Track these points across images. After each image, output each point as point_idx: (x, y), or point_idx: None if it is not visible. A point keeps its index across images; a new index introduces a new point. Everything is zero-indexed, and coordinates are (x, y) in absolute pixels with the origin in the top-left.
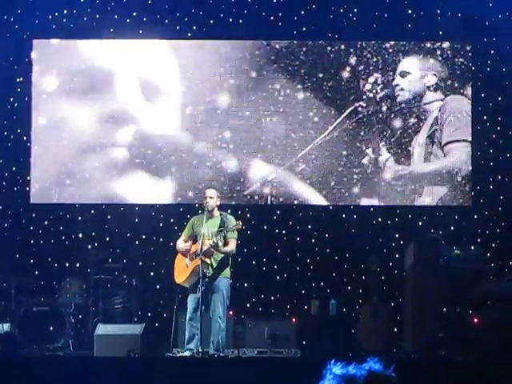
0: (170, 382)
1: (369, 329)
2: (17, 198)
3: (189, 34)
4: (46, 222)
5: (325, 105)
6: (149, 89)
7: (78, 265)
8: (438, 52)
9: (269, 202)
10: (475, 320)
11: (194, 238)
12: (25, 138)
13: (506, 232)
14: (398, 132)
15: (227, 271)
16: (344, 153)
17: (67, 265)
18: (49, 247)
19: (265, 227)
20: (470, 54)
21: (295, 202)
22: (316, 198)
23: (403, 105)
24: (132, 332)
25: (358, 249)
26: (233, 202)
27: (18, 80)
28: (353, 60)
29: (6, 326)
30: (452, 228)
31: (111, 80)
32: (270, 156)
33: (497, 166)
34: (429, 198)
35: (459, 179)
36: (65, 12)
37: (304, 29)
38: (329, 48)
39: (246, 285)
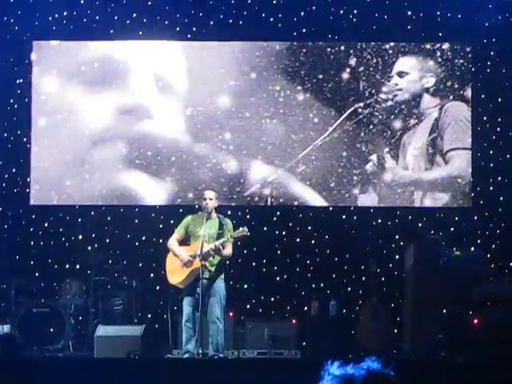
0: None
1: (369, 330)
2: (17, 200)
3: (189, 36)
4: (45, 224)
5: (325, 106)
6: (148, 90)
7: (78, 266)
8: (438, 53)
9: (269, 203)
10: (475, 321)
11: (187, 238)
12: (25, 140)
13: (505, 233)
14: (398, 133)
15: (223, 273)
16: (344, 154)
17: (67, 266)
18: (49, 248)
19: (265, 228)
20: (469, 56)
21: (295, 203)
22: (316, 199)
23: (403, 105)
24: (132, 333)
25: (357, 250)
26: (233, 204)
27: (17, 81)
28: (353, 61)
29: (6, 328)
30: (452, 229)
31: (111, 82)
32: (270, 157)
33: (497, 167)
34: (429, 200)
35: (460, 186)
36: (65, 13)
37: (304, 30)
38: (329, 49)
39: (246, 286)
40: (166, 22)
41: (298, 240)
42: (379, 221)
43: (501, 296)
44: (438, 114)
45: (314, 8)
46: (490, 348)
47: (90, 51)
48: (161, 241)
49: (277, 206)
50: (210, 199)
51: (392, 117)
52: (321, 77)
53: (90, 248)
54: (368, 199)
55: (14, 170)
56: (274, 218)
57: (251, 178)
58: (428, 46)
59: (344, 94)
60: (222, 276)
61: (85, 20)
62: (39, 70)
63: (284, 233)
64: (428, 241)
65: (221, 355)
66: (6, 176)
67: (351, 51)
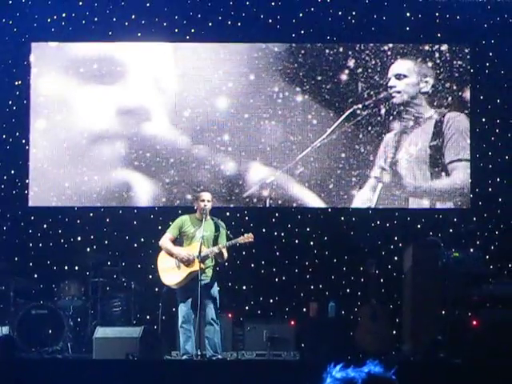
0: None
1: (368, 331)
2: (15, 201)
3: (187, 37)
4: (44, 225)
5: (323, 107)
6: (147, 92)
7: (76, 268)
8: (437, 55)
9: (267, 204)
10: (474, 322)
11: (181, 238)
12: (23, 142)
13: (504, 234)
14: (397, 135)
15: (215, 275)
16: (343, 155)
17: (66, 268)
18: (47, 250)
19: (263, 230)
20: (468, 57)
21: (294, 205)
22: (315, 201)
23: (401, 107)
24: (131, 335)
25: (356, 251)
26: (231, 205)
27: (16, 83)
28: (351, 63)
29: (5, 329)
30: (451, 230)
31: (109, 83)
32: (269, 159)
33: (495, 168)
34: (427, 201)
35: (461, 197)
36: (63, 15)
37: (302, 31)
38: (327, 51)
39: (244, 287)
40: (165, 24)
41: (296, 241)
42: (378, 222)
43: (500, 297)
44: (436, 121)
45: (312, 9)
46: (489, 349)
47: (89, 53)
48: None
49: (275, 208)
50: (208, 201)
51: (391, 118)
52: (319, 78)
53: (88, 249)
54: (366, 200)
55: (12, 172)
56: (273, 220)
57: (250, 180)
58: (426, 48)
59: (343, 95)
60: (215, 277)
61: (83, 21)
62: (38, 72)
63: (282, 234)
64: (427, 242)
65: (219, 356)
66: (5, 178)
67: (350, 53)
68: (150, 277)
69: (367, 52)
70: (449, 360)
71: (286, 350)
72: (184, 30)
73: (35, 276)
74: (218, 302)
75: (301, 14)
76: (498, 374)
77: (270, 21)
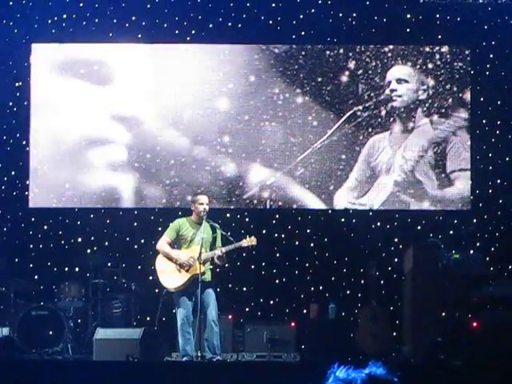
0: None
1: (368, 333)
2: (16, 203)
3: (188, 38)
4: (44, 227)
5: (324, 109)
6: (148, 92)
7: (77, 269)
8: (437, 56)
9: (268, 206)
10: (474, 324)
11: (178, 242)
12: (24, 143)
13: (504, 236)
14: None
15: (214, 277)
16: (343, 157)
17: (66, 269)
18: (48, 251)
19: (264, 231)
20: (468, 58)
21: (294, 206)
22: (315, 202)
23: (402, 109)
24: (131, 336)
25: (357, 253)
26: (232, 207)
27: (17, 84)
28: (352, 64)
29: (5, 330)
30: (451, 232)
31: (110, 84)
32: (269, 160)
33: (496, 169)
34: (428, 202)
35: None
36: (64, 16)
37: (303, 33)
38: (328, 52)
39: (244, 289)
40: (165, 25)
41: (296, 243)
42: (378, 224)
43: (500, 299)
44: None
45: (312, 11)
46: (490, 351)
47: (89, 54)
48: None
49: (276, 209)
50: (207, 204)
51: (391, 120)
52: (320, 80)
53: (89, 251)
54: (366, 202)
55: (13, 173)
56: (273, 221)
57: (250, 181)
58: (427, 49)
59: (343, 96)
60: (215, 280)
61: (84, 23)
62: (38, 73)
63: (283, 236)
64: (427, 244)
65: (219, 358)
66: (5, 179)
67: (350, 54)
68: (151, 278)
69: (368, 53)
70: (449, 362)
71: (286, 352)
72: (184, 32)
73: (35, 277)
74: (216, 302)
75: (301, 16)
76: (498, 375)
77: (271, 22)
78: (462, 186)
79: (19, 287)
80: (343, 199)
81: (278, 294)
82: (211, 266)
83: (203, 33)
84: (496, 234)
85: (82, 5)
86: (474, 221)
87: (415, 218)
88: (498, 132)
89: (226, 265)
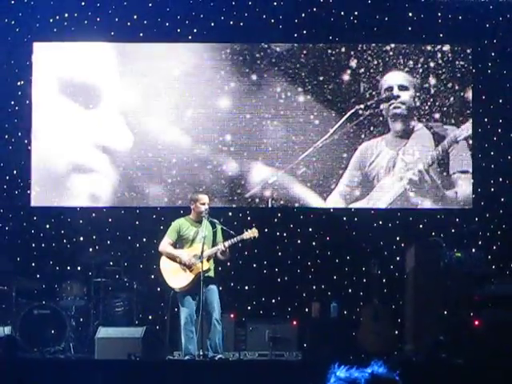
0: None
1: (370, 331)
2: (17, 201)
3: (189, 37)
4: (46, 225)
5: (325, 108)
6: (149, 91)
7: (79, 268)
8: (439, 55)
9: (269, 204)
10: (476, 322)
11: (180, 242)
12: (25, 141)
13: (506, 234)
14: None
15: (216, 275)
16: (345, 155)
17: (68, 268)
18: (50, 250)
19: (265, 230)
20: (470, 57)
21: (296, 205)
22: (317, 201)
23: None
24: (133, 335)
25: (358, 251)
26: (233, 205)
27: (18, 83)
28: (353, 63)
29: (7, 329)
30: (453, 230)
31: (112, 82)
32: (271, 159)
33: (498, 168)
34: (429, 201)
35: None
36: (65, 15)
37: (304, 32)
38: (329, 51)
39: (246, 287)
40: (167, 24)
41: (298, 241)
42: (380, 222)
43: (502, 297)
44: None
45: (314, 9)
46: (491, 349)
47: (91, 52)
48: None
49: (277, 208)
50: (208, 203)
51: (393, 119)
52: (321, 78)
53: (90, 250)
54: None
55: (14, 172)
56: (275, 220)
57: (252, 180)
58: (429, 48)
59: (345, 95)
60: (216, 277)
61: (86, 22)
62: (40, 72)
63: (285, 234)
64: (429, 242)
65: (222, 357)
66: (7, 177)
67: (352, 53)
68: (153, 277)
69: (369, 52)
70: (451, 360)
71: (288, 350)
72: (186, 30)
73: (37, 276)
74: (219, 300)
75: (303, 14)
76: (499, 374)
77: (273, 21)
78: (465, 187)
79: (21, 286)
80: (334, 205)
81: (280, 292)
82: (213, 263)
83: (205, 31)
84: (498, 233)
85: (83, 4)
86: (476, 219)
87: (417, 216)
88: (499, 130)
89: (228, 264)
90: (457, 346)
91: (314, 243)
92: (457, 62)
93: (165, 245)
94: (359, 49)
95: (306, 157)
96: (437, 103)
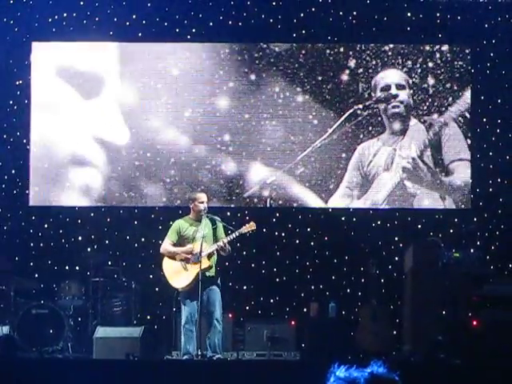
0: None
1: (368, 331)
2: (16, 201)
3: (188, 37)
4: (45, 225)
5: (324, 108)
6: (148, 91)
7: (77, 267)
8: (438, 55)
9: (268, 204)
10: (474, 322)
11: (181, 242)
12: (24, 141)
13: (505, 235)
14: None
15: (218, 274)
16: (343, 155)
17: (66, 267)
18: (48, 250)
19: (264, 230)
20: (469, 57)
21: (294, 205)
22: (315, 201)
23: (402, 112)
24: (131, 335)
25: (357, 251)
26: (232, 205)
27: (17, 83)
28: (352, 63)
29: (5, 329)
30: (451, 231)
31: (111, 82)
32: (270, 159)
33: (496, 168)
34: (428, 201)
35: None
36: (64, 15)
37: (303, 31)
38: (328, 51)
39: (245, 287)
40: (166, 23)
41: (297, 241)
42: (378, 222)
43: (500, 297)
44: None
45: (313, 9)
46: (490, 349)
47: (89, 52)
48: (160, 242)
49: (276, 208)
50: (206, 202)
51: (389, 120)
52: (320, 78)
53: (89, 249)
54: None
55: (13, 171)
56: (274, 220)
57: (250, 180)
58: (427, 48)
59: (343, 95)
60: (219, 277)
61: (84, 21)
62: (38, 71)
63: (283, 234)
64: (427, 242)
65: (220, 356)
66: (6, 177)
67: (350, 53)
68: (151, 276)
69: (368, 52)
70: (449, 360)
71: (286, 350)
72: (185, 30)
73: (36, 275)
74: (221, 299)
75: (302, 14)
76: (498, 374)
77: (271, 21)
78: (463, 173)
79: (19, 286)
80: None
81: (279, 292)
82: (215, 262)
83: (203, 31)
84: (496, 233)
85: (82, 3)
86: (475, 219)
87: (415, 216)
88: (498, 131)
89: (227, 263)
90: (455, 346)
91: (312, 243)
92: (455, 63)
93: (165, 246)
94: (358, 49)
95: (305, 157)
96: (435, 103)
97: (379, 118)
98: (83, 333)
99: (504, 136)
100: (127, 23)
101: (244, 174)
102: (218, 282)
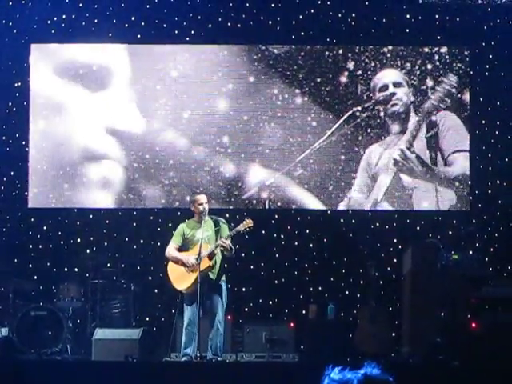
0: None
1: (367, 333)
2: (15, 203)
3: (187, 39)
4: (44, 227)
5: (323, 109)
6: (146, 93)
7: (76, 269)
8: (436, 57)
9: (267, 206)
10: (473, 325)
11: (185, 245)
12: (23, 143)
13: (504, 236)
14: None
15: (224, 275)
16: (342, 157)
17: (65, 269)
18: (47, 251)
19: (263, 232)
20: (467, 59)
21: (293, 207)
22: (314, 203)
23: (401, 109)
24: (130, 336)
25: (355, 253)
26: (230, 207)
27: (16, 85)
28: (351, 65)
29: (4, 331)
30: (450, 232)
31: (109, 84)
32: (268, 160)
33: (495, 170)
34: (426, 202)
35: (462, 187)
36: (63, 17)
37: (302, 33)
38: (327, 53)
39: (244, 289)
40: (165, 25)
41: (295, 243)
42: (377, 224)
43: (499, 299)
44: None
45: (312, 11)
46: (489, 352)
47: (88, 54)
48: (159, 244)
49: (275, 210)
50: (206, 203)
51: (390, 121)
52: (319, 80)
53: (88, 251)
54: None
55: (12, 173)
56: (272, 222)
57: (249, 182)
58: (426, 50)
59: (342, 97)
60: (224, 278)
61: (83, 23)
62: (37, 73)
63: (282, 236)
64: (426, 244)
65: (219, 358)
66: (5, 179)
67: (349, 55)
68: (150, 278)
69: (367, 54)
70: (448, 362)
71: (285, 352)
72: (184, 32)
73: (34, 277)
74: (225, 302)
75: (300, 16)
76: (496, 376)
77: (270, 22)
78: (461, 163)
79: (18, 287)
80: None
81: (277, 294)
82: (219, 263)
83: (202, 33)
84: (495, 235)
85: (81, 5)
86: (473, 221)
87: (414, 218)
88: (497, 132)
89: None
90: (454, 348)
91: (311, 245)
92: (454, 64)
93: (170, 249)
94: (356, 51)
95: (304, 158)
96: (420, 109)
97: (378, 120)
98: (82, 334)
99: (503, 138)
100: (126, 25)
101: (243, 176)
102: (221, 282)
